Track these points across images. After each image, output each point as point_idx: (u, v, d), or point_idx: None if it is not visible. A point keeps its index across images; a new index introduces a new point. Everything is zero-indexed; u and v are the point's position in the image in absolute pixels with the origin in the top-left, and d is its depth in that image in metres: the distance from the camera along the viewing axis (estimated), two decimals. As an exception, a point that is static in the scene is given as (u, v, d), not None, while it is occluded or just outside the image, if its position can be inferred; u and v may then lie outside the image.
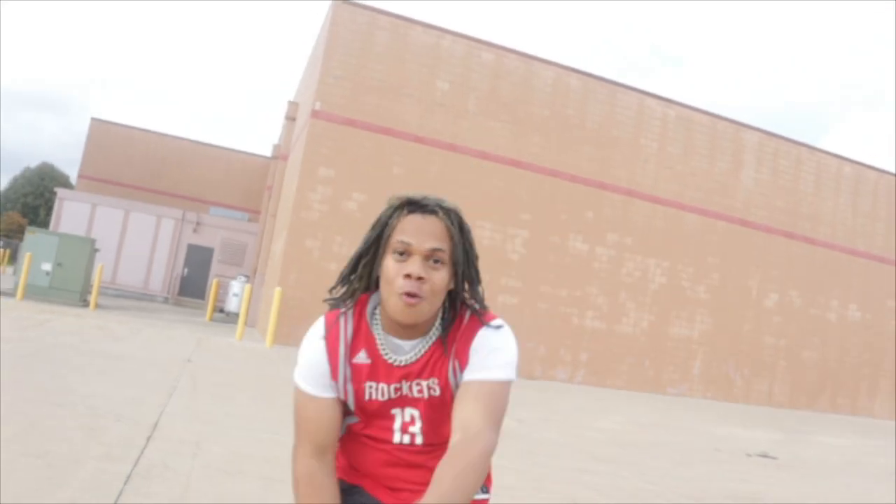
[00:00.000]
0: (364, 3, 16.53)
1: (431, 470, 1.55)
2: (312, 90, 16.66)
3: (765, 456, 9.92)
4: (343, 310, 1.72)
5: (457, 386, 1.65)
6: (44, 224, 50.32)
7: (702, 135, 19.24)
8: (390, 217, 1.64)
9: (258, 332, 18.47)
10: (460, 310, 1.71)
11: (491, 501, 1.83)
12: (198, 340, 13.96)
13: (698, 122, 19.23)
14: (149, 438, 5.42)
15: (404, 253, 1.59)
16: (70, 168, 77.32)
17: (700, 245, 19.10)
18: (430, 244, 1.59)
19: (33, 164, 69.15)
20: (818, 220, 20.80)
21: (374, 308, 1.73)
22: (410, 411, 1.68)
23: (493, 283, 16.86)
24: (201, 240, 28.25)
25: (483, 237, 16.80)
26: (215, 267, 28.09)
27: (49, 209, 54.00)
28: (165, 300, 27.70)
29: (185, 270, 28.12)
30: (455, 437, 1.52)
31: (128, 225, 27.36)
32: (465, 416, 1.54)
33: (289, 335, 15.15)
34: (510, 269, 17.03)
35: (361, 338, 1.70)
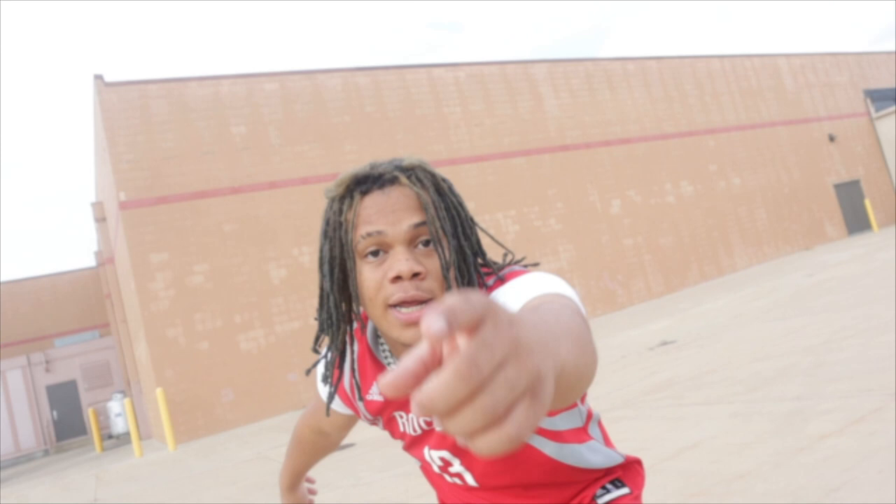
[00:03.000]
0: (128, 79, 15.87)
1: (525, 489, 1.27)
2: (111, 182, 15.85)
3: (664, 343, 10.57)
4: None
5: None
6: None
7: (496, 84, 19.97)
8: (340, 212, 1.16)
9: (156, 440, 17.50)
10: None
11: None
12: (96, 476, 13.05)
13: (489, 74, 19.94)
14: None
15: (378, 250, 1.13)
16: None
17: (533, 182, 19.88)
18: (406, 221, 1.11)
19: None
20: (625, 120, 22.18)
21: (375, 332, 1.32)
22: (439, 453, 1.28)
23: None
24: (59, 376, 26.27)
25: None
26: (85, 396, 26.25)
27: None
28: (45, 452, 25.62)
29: (55, 413, 26.10)
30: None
31: (-28, 394, 25.00)
32: (504, 470, 1.22)
33: (190, 430, 14.47)
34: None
35: (369, 374, 1.30)
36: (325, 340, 1.34)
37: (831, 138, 27.88)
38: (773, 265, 21.88)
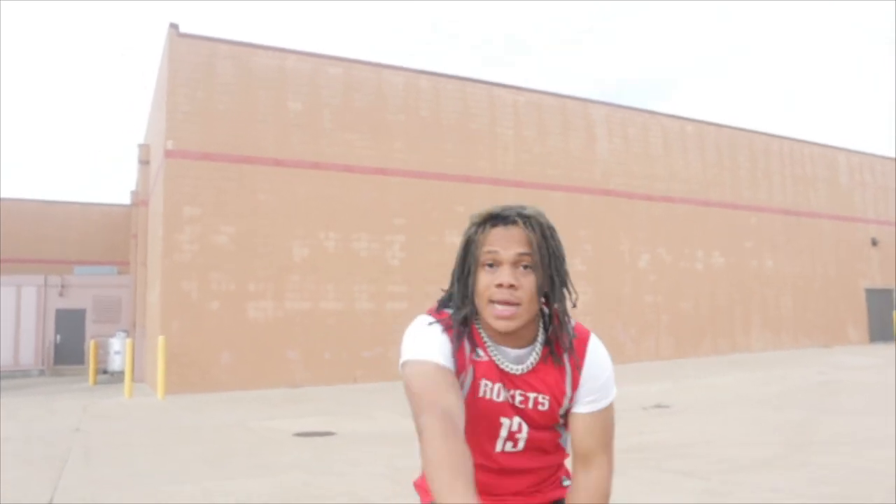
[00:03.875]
0: (202, 34, 16.20)
1: (525, 474, 1.74)
2: (162, 129, 16.18)
3: (659, 406, 10.55)
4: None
5: (570, 399, 1.70)
6: None
7: (553, 115, 20.07)
8: (475, 233, 1.68)
9: (148, 386, 17.75)
10: (555, 315, 1.73)
11: None
12: (83, 407, 13.28)
13: (548, 105, 20.04)
14: (49, 515, 5.20)
15: (493, 264, 1.63)
16: None
17: (568, 220, 19.91)
18: (515, 249, 1.62)
19: None
20: (672, 178, 22.14)
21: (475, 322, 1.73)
22: (518, 420, 1.69)
23: (379, 293, 16.95)
24: (70, 302, 26.74)
25: (360, 249, 16.86)
26: (90, 328, 26.66)
27: None
28: (41, 373, 26.06)
29: (58, 337, 26.54)
30: (581, 470, 1.70)
31: (-15, 301, 25.52)
32: (588, 448, 1.69)
33: (180, 384, 14.66)
34: (393, 276, 17.17)
35: (474, 340, 1.70)
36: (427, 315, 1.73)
37: (874, 242, 27.55)
38: (788, 355, 21.64)
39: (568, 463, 1.84)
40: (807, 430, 7.88)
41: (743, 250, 23.50)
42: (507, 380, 1.67)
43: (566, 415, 1.73)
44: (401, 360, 1.64)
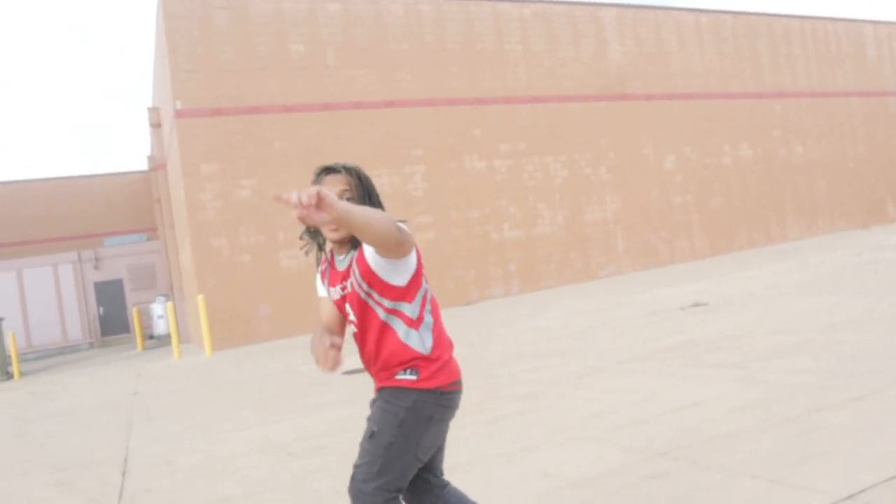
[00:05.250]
0: (192, -13, 15.86)
1: (373, 352, 2.33)
2: (168, 90, 16.05)
3: (696, 305, 10.50)
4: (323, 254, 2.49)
5: (361, 288, 2.27)
6: (-64, 310, 47.25)
7: (562, 25, 19.51)
8: (314, 182, 2.29)
9: (194, 345, 18.12)
10: None
11: (452, 416, 2.33)
12: (137, 373, 13.62)
13: (556, 14, 19.47)
14: (123, 473, 5.36)
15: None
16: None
17: (589, 129, 19.57)
18: (339, 187, 2.28)
19: None
20: (690, 74, 21.55)
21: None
22: (348, 305, 2.35)
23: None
24: (106, 274, 27.19)
25: (383, 184, 16.76)
26: (130, 296, 27.17)
27: (-64, 294, 50.62)
28: (91, 345, 26.73)
29: (101, 309, 27.11)
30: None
31: (24, 283, 26.07)
32: (370, 323, 2.30)
33: (226, 338, 14.94)
34: (417, 206, 17.11)
35: (331, 259, 2.45)
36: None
37: (905, 114, 26.76)
38: (825, 240, 21.38)
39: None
40: (840, 311, 7.81)
41: (770, 139, 22.99)
42: (333, 278, 2.40)
43: (376, 286, 2.25)
44: None
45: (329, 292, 2.43)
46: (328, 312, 2.47)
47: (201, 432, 6.52)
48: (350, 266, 2.29)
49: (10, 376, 17.65)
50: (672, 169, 20.89)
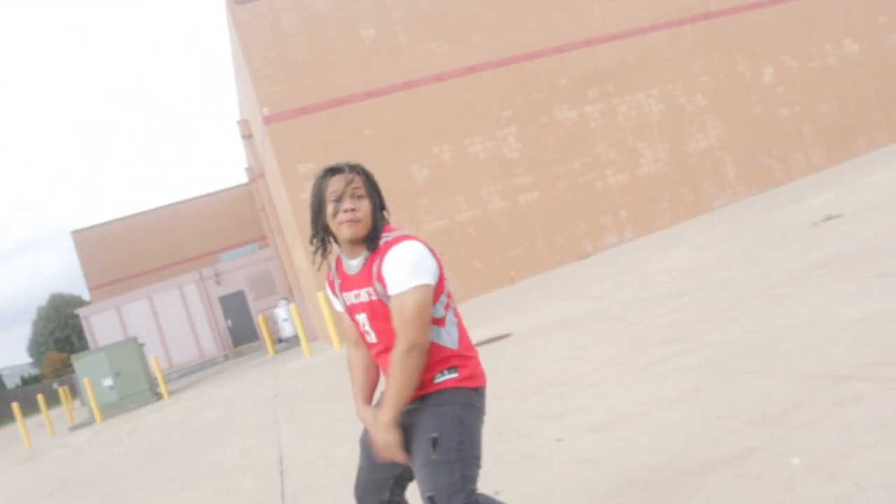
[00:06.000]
0: (257, -6, 16.03)
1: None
2: (253, 99, 16.35)
3: (829, 218, 9.77)
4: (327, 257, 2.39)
5: (384, 296, 2.17)
6: (80, 348, 50.75)
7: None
8: (321, 184, 2.27)
9: (322, 342, 18.57)
10: (382, 233, 2.26)
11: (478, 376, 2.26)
12: (273, 376, 14.05)
13: (621, -56, 18.56)
14: (281, 473, 5.44)
15: (338, 199, 2.20)
16: (80, 288, 77.71)
17: (675, 57, 18.64)
18: (352, 185, 2.22)
19: (42, 301, 69.42)
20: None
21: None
22: (359, 316, 2.29)
23: (507, 189, 16.67)
24: (228, 288, 28.31)
25: (477, 152, 16.56)
26: (254, 305, 28.21)
27: (80, 333, 54.40)
28: (225, 357, 27.96)
29: (229, 322, 28.29)
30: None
31: (156, 308, 27.50)
32: (395, 327, 2.13)
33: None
34: (516, 168, 16.80)
35: (338, 265, 2.37)
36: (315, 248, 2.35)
37: None
38: (956, 124, 19.63)
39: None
40: None
41: (877, 28, 21.23)
42: (347, 283, 2.30)
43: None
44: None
45: (342, 299, 2.35)
46: (354, 326, 2.39)
47: (348, 424, 6.56)
48: (368, 272, 2.21)
49: (159, 397, 18.66)
50: (772, 81, 19.65)
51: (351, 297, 2.28)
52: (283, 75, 15.76)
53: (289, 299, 23.54)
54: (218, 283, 28.07)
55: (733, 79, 19.18)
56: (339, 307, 2.41)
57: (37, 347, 63.04)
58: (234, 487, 5.53)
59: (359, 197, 2.22)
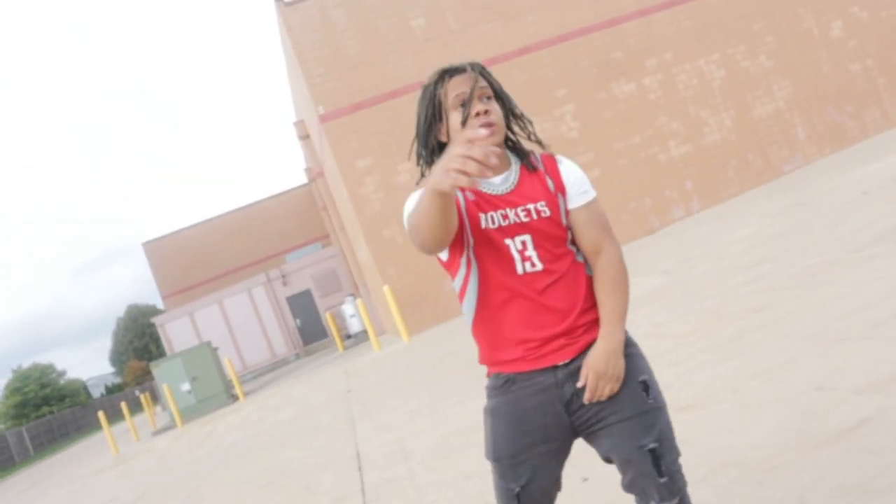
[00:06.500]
0: (304, -7, 16.09)
1: (561, 312, 1.78)
2: (308, 99, 16.41)
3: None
4: None
5: (561, 207, 1.82)
6: (158, 355, 52.39)
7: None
8: (436, 88, 1.88)
9: (391, 335, 18.61)
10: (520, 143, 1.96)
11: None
12: (345, 371, 14.12)
13: None
14: (359, 468, 5.37)
15: (463, 104, 1.83)
16: (154, 297, 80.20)
17: (735, 19, 17.94)
18: (478, 85, 1.84)
19: (121, 312, 72.00)
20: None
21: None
22: (521, 238, 1.79)
23: (568, 170, 16.33)
24: (294, 288, 28.70)
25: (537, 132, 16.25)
26: (320, 303, 28.54)
27: (157, 341, 56.16)
28: (296, 356, 28.38)
29: (298, 321, 28.69)
30: (595, 259, 1.84)
31: (227, 312, 28.08)
32: (595, 239, 1.83)
33: (419, 322, 15.14)
34: (576, 147, 16.44)
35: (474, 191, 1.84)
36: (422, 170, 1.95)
37: None
38: None
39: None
40: None
41: (950, -29, 20.03)
42: (500, 202, 1.80)
43: (566, 219, 1.83)
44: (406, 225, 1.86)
45: (488, 219, 1.80)
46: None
47: (423, 415, 6.46)
48: (538, 184, 1.82)
49: (235, 398, 19.02)
50: (842, 35, 18.74)
51: (499, 217, 1.79)
52: (337, 72, 15.77)
53: (355, 295, 23.71)
54: (285, 283, 28.48)
55: (799, 36, 18.36)
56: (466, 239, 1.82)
57: (118, 357, 65.48)
58: (314, 484, 5.50)
59: (488, 98, 1.86)
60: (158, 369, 19.11)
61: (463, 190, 1.79)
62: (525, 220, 1.78)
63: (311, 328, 28.70)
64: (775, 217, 10.51)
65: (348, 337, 24.23)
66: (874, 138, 17.96)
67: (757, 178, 17.49)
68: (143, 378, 54.84)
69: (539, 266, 1.77)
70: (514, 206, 1.79)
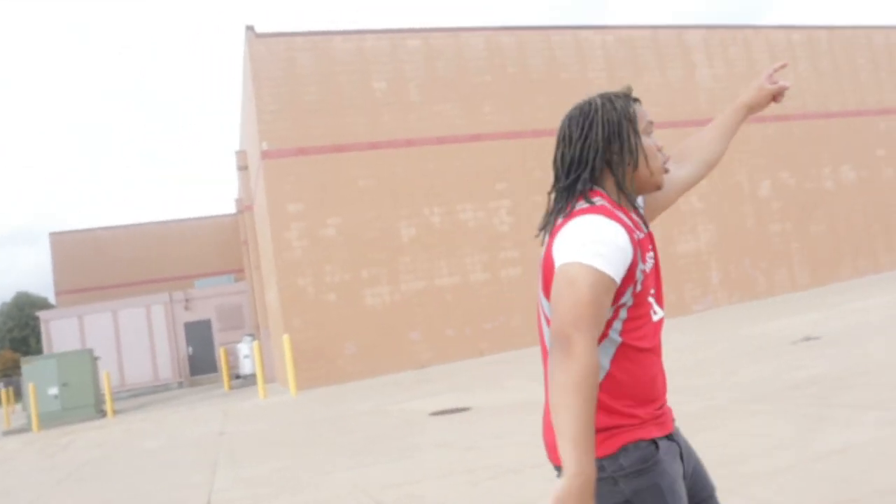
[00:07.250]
0: (278, 31, 16.15)
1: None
2: (255, 132, 16.27)
3: (808, 339, 9.65)
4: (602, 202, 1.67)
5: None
6: (36, 351, 49.46)
7: (645, 49, 18.96)
8: (633, 108, 1.77)
9: (279, 385, 18.08)
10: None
11: None
12: (223, 412, 13.57)
13: (639, 38, 18.95)
14: (203, 523, 5.08)
15: (649, 133, 1.77)
16: (48, 291, 76.32)
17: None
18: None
19: (7, 297, 68.07)
20: (785, 95, 20.51)
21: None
22: (653, 287, 1.72)
23: (492, 262, 16.53)
24: (196, 315, 27.75)
25: (467, 220, 16.47)
26: (218, 336, 27.61)
27: (37, 336, 53.09)
28: (180, 385, 27.21)
29: (190, 349, 27.64)
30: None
31: (119, 324, 26.84)
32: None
33: (311, 379, 14.78)
34: (503, 242, 16.68)
35: (627, 218, 1.66)
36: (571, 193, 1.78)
37: None
38: (941, 265, 19.83)
39: None
40: None
41: (875, 160, 21.62)
42: (644, 242, 1.68)
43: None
44: (572, 257, 1.52)
45: (645, 263, 1.65)
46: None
47: (286, 477, 6.21)
48: (649, 231, 1.75)
49: (103, 414, 18.00)
50: (768, 195, 19.86)
51: (650, 261, 1.69)
52: (289, 113, 15.72)
53: (254, 336, 23.07)
54: (187, 308, 27.51)
55: (730, 186, 19.35)
56: (619, 279, 1.54)
57: (-10, 341, 61.44)
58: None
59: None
60: (29, 366, 17.99)
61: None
62: (652, 265, 1.80)
63: (202, 359, 27.66)
64: (680, 353, 10.80)
65: (237, 377, 23.44)
66: (779, 297, 18.86)
67: (668, 311, 18.00)
68: (12, 371, 51.51)
69: (658, 313, 1.80)
70: (649, 249, 1.77)
